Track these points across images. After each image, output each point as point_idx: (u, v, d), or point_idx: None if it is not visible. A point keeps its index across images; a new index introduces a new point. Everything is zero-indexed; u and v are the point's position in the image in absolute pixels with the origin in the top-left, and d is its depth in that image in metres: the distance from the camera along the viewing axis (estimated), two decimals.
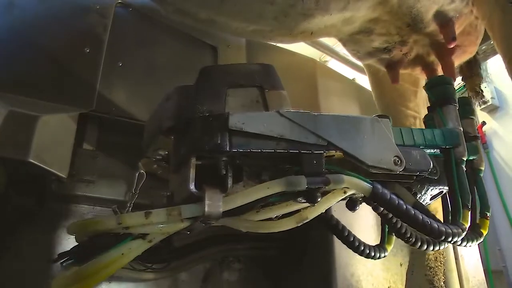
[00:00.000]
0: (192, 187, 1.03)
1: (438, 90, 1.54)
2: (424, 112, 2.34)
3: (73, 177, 1.78)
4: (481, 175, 1.67)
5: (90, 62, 1.79)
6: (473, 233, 1.53)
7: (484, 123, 4.70)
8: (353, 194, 1.27)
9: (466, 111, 1.68)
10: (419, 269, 2.01)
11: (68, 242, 1.86)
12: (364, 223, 2.38)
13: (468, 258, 2.41)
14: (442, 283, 1.98)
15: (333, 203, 1.23)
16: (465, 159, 1.41)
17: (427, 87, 1.55)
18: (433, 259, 1.99)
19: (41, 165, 1.56)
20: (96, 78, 1.74)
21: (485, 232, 1.61)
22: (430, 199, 1.50)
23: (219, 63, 2.25)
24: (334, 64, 3.87)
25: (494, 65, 4.43)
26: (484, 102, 4.24)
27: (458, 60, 2.20)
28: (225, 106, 1.13)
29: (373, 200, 1.17)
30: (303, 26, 1.82)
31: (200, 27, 2.03)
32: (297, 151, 1.11)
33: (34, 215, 1.89)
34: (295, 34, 1.89)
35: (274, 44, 2.58)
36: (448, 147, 1.40)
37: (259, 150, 1.07)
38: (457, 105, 1.49)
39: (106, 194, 1.97)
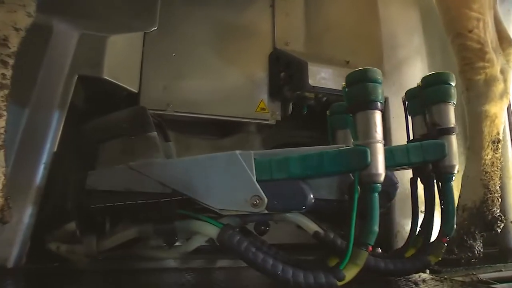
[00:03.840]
0: (77, 233, 1.17)
1: (355, 90, 1.06)
2: (489, 14, 1.82)
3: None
4: (451, 182, 1.24)
5: None
6: (416, 261, 1.21)
7: None
8: None
9: (441, 93, 1.24)
10: (474, 173, 1.73)
11: None
12: None
13: None
14: (498, 187, 1.73)
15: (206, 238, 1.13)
16: (379, 184, 1.00)
17: (345, 86, 1.08)
18: (489, 164, 1.72)
19: (115, 81, 1.56)
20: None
21: (434, 261, 1.24)
22: None
23: None
24: None
25: None
26: None
27: None
28: (96, 163, 1.15)
29: (219, 245, 1.00)
30: None
31: None
32: (144, 201, 1.05)
33: None
34: None
35: None
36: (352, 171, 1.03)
37: (106, 204, 1.08)
38: (378, 110, 1.02)
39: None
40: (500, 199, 1.73)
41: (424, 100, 1.28)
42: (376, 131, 0.99)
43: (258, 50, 1.98)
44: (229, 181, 1.00)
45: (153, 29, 1.73)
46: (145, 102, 1.70)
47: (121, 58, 1.62)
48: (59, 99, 1.44)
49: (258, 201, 0.98)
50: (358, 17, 2.13)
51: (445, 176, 1.23)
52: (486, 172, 1.71)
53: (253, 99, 1.90)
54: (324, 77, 1.83)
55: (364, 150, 0.98)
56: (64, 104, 1.44)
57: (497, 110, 1.76)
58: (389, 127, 1.91)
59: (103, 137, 1.17)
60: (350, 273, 0.97)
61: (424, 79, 1.30)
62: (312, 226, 1.09)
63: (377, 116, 1.01)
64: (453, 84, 1.25)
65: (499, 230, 1.69)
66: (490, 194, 1.69)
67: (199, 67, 1.84)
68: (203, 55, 1.86)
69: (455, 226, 1.23)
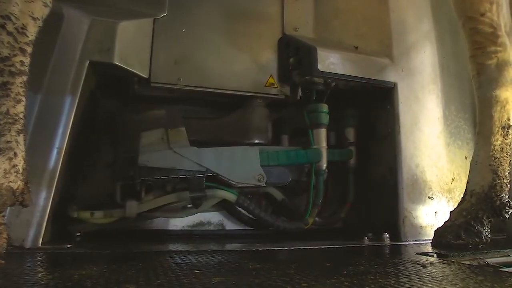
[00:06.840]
0: (118, 199, 1.77)
1: (313, 115, 1.88)
2: None
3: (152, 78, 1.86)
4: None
5: None
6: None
7: None
8: None
9: (351, 122, 2.17)
10: (483, 159, 1.81)
11: None
12: (431, 116, 2.24)
13: None
14: (507, 173, 1.82)
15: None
16: (324, 168, 1.83)
17: (306, 112, 1.89)
18: (499, 149, 1.80)
19: (125, 67, 1.65)
20: None
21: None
22: None
23: None
24: None
25: None
26: None
27: None
28: (139, 146, 1.71)
29: (237, 205, 1.77)
30: None
31: None
32: (184, 176, 1.72)
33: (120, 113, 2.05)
34: None
35: None
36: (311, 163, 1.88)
37: (158, 178, 1.71)
38: (325, 128, 1.87)
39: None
40: (508, 185, 1.85)
41: (342, 124, 2.24)
42: (323, 140, 1.84)
43: (268, 35, 2.13)
44: (244, 165, 1.71)
45: (162, 15, 1.87)
46: (156, 76, 1.82)
47: (131, 43, 1.73)
48: (71, 84, 1.55)
49: (261, 178, 1.71)
50: (367, 2, 2.37)
51: (350, 169, 2.19)
52: (495, 158, 1.79)
53: (262, 75, 2.03)
54: (333, 62, 2.02)
55: (320, 151, 1.83)
56: (76, 90, 1.55)
57: (508, 95, 1.83)
58: (397, 113, 2.08)
59: (145, 127, 1.74)
60: (310, 221, 1.79)
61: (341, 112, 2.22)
62: (280, 195, 1.89)
63: (324, 131, 1.85)
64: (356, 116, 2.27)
65: (507, 216, 1.79)
66: (499, 179, 1.78)
67: (209, 47, 1.97)
68: (213, 37, 1.99)
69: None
